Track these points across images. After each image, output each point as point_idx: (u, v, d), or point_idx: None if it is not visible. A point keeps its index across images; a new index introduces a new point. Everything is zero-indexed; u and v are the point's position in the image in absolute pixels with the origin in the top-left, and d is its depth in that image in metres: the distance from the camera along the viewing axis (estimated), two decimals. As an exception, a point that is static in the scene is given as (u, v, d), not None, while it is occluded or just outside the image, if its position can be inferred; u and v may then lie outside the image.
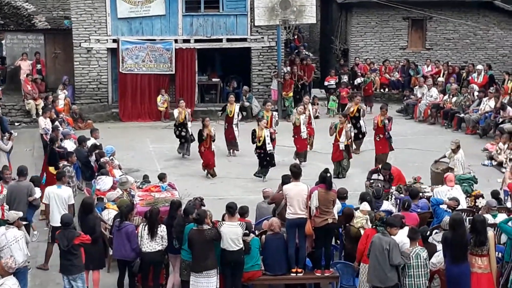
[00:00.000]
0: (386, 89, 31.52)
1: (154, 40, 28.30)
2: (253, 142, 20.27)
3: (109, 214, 14.79)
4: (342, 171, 20.36)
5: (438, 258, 12.62)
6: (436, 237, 13.49)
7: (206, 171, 20.74)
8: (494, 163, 21.63)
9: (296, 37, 33.88)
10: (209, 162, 20.58)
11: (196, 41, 28.55)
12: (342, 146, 20.39)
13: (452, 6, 32.17)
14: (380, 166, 17.63)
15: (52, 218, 14.50)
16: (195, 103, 28.54)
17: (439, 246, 12.77)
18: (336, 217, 13.33)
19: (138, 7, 28.00)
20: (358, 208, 14.07)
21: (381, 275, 11.99)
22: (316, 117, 25.52)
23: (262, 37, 28.77)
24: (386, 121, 20.69)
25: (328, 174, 13.29)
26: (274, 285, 13.56)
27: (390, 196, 16.07)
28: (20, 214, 13.32)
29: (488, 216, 13.69)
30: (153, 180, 17.22)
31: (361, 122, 22.66)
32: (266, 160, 20.13)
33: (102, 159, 17.52)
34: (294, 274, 13.15)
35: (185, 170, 21.34)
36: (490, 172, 20.66)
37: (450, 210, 14.35)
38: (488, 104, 25.44)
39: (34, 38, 30.08)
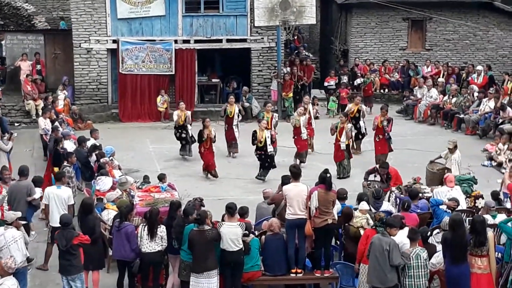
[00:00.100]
0: (386, 90, 31.52)
1: (154, 40, 28.30)
2: (253, 143, 20.23)
3: (109, 214, 14.79)
4: (343, 171, 20.34)
5: (438, 258, 12.63)
6: (435, 238, 13.49)
7: (206, 172, 20.67)
8: (494, 163, 21.64)
9: (296, 37, 33.87)
10: (209, 163, 20.55)
11: (196, 41, 28.56)
12: (343, 146, 20.40)
13: (452, 6, 32.19)
14: (377, 166, 17.63)
15: (51, 218, 14.50)
16: (195, 104, 28.54)
17: (439, 247, 12.78)
18: (336, 217, 13.33)
19: (138, 7, 28.00)
20: (357, 208, 14.07)
21: (381, 275, 11.99)
22: (316, 118, 25.53)
23: (262, 38, 28.77)
24: (386, 123, 20.66)
25: (328, 175, 13.29)
26: (273, 285, 13.55)
27: (390, 195, 16.09)
28: (19, 214, 13.32)
29: (487, 217, 13.70)
30: (152, 180, 17.22)
31: (361, 122, 22.68)
32: (267, 162, 20.11)
33: (102, 160, 17.52)
34: (294, 275, 13.15)
35: (185, 171, 21.34)
36: (490, 173, 20.66)
37: (449, 211, 14.36)
38: (488, 104, 25.45)
39: (34, 39, 30.09)
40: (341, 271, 13.25)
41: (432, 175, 18.00)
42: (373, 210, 14.17)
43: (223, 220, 13.11)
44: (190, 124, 22.38)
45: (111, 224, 13.97)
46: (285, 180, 14.14)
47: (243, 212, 13.73)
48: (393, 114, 24.88)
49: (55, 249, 13.49)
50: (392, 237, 12.22)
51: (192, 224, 12.79)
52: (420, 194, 15.69)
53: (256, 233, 13.63)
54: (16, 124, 26.62)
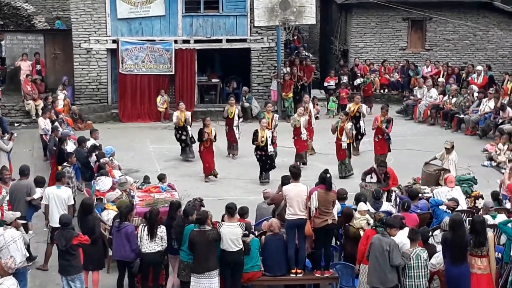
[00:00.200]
0: (386, 90, 31.53)
1: (154, 40, 28.30)
2: (254, 143, 20.17)
3: (109, 214, 14.79)
4: (345, 170, 20.32)
5: (438, 259, 12.63)
6: (435, 238, 13.49)
7: (208, 175, 20.56)
8: (494, 164, 21.64)
9: (295, 37, 33.86)
10: (207, 163, 20.47)
11: (196, 41, 28.56)
12: (344, 145, 20.41)
13: (452, 7, 32.20)
14: (374, 166, 17.63)
15: (51, 218, 14.49)
16: (194, 104, 28.54)
17: (439, 247, 12.78)
18: (336, 218, 13.34)
19: (137, 7, 28.00)
20: (356, 209, 14.07)
21: (381, 276, 11.99)
22: (316, 118, 25.50)
23: (262, 38, 28.78)
24: (386, 124, 20.63)
25: (328, 175, 13.28)
26: (273, 285, 13.55)
27: (391, 195, 16.12)
28: (18, 214, 13.32)
29: (487, 217, 13.70)
30: (152, 180, 17.22)
31: (361, 122, 22.67)
32: (267, 163, 20.08)
33: (101, 160, 17.52)
34: (294, 275, 13.15)
35: (185, 171, 21.34)
36: (490, 173, 20.66)
37: (449, 211, 14.36)
38: (488, 105, 25.45)
39: (34, 39, 30.08)
40: (341, 271, 13.25)
41: (429, 176, 18.00)
42: (373, 210, 14.17)
43: (223, 220, 13.11)
44: (190, 125, 22.35)
45: (111, 224, 13.97)
46: (285, 181, 14.14)
47: (243, 212, 13.74)
48: (393, 114, 24.88)
49: (55, 249, 13.49)
50: (392, 237, 12.22)
51: (192, 224, 12.78)
52: (420, 195, 15.70)
53: (256, 233, 13.64)
54: (16, 124, 26.62)
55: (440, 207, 14.56)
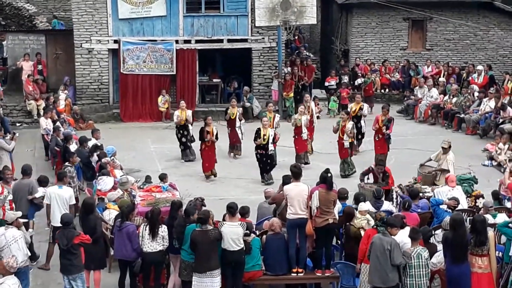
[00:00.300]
0: (387, 90, 31.56)
1: (155, 40, 28.33)
2: (255, 141, 20.18)
3: (110, 214, 14.82)
4: (348, 168, 20.33)
5: (439, 258, 12.64)
6: (436, 237, 13.52)
7: (208, 174, 20.57)
8: (494, 163, 21.64)
9: (296, 37, 33.93)
10: (207, 162, 20.48)
11: (197, 41, 28.59)
12: (346, 144, 20.44)
13: (452, 6, 32.22)
14: (372, 166, 17.66)
15: (53, 218, 14.53)
16: (196, 104, 28.57)
17: (440, 246, 12.80)
18: (337, 217, 13.36)
19: (139, 7, 28.04)
20: (356, 209, 14.10)
21: (383, 275, 12.00)
22: (317, 118, 25.50)
23: (263, 38, 28.81)
24: (387, 124, 20.67)
25: (329, 174, 13.30)
26: (274, 285, 13.57)
27: (391, 194, 16.16)
28: (19, 214, 13.36)
29: (488, 216, 13.73)
30: (154, 180, 17.25)
31: (362, 122, 22.69)
32: (267, 164, 20.08)
33: (103, 160, 17.55)
34: (295, 274, 13.16)
35: (186, 171, 21.36)
36: (491, 173, 20.67)
37: (450, 210, 14.39)
38: (488, 104, 25.47)
39: (35, 39, 30.10)
40: (342, 270, 13.27)
41: (425, 177, 18.02)
42: (374, 210, 14.20)
43: (224, 220, 13.14)
44: (191, 124, 22.38)
45: (112, 224, 14.00)
46: (286, 180, 14.16)
47: (244, 212, 13.78)
48: (393, 114, 24.84)
49: (56, 249, 13.52)
50: (393, 236, 12.24)
51: (193, 224, 12.81)
52: (421, 194, 15.73)
53: (257, 232, 13.65)
54: (17, 124, 26.65)
55: (441, 206, 14.59)
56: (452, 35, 32.65)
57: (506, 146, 21.77)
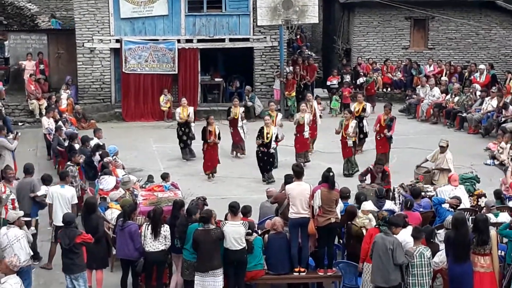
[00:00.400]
0: (389, 89, 31.55)
1: (157, 40, 28.35)
2: (258, 138, 20.16)
3: (112, 213, 14.82)
4: (351, 167, 20.30)
5: (441, 257, 12.62)
6: (438, 236, 13.51)
7: (209, 173, 20.54)
8: (497, 162, 21.59)
9: (298, 37, 33.95)
10: (209, 161, 20.46)
11: (199, 41, 28.60)
12: (350, 143, 20.43)
13: (454, 5, 32.22)
14: (370, 166, 17.65)
15: (55, 217, 14.52)
16: (197, 103, 28.56)
17: (442, 246, 12.79)
18: (339, 216, 13.36)
19: (141, 7, 28.06)
20: (359, 208, 14.10)
21: (385, 275, 11.98)
22: (319, 116, 25.49)
23: (265, 37, 28.81)
24: (389, 123, 20.66)
25: (331, 174, 13.28)
26: (276, 284, 13.57)
27: (394, 193, 16.16)
28: (21, 213, 13.36)
29: (490, 215, 13.71)
30: (156, 179, 17.25)
31: (364, 122, 22.64)
32: (268, 163, 20.06)
33: (105, 159, 17.55)
34: (297, 274, 13.14)
35: (188, 170, 21.36)
36: (493, 172, 20.63)
37: (452, 209, 14.38)
38: (491, 103, 25.44)
39: (37, 38, 30.15)
40: (344, 270, 13.26)
41: (424, 177, 18.04)
42: (376, 209, 14.19)
43: (226, 219, 13.14)
44: (193, 122, 22.35)
45: (114, 223, 14.00)
46: (288, 179, 14.16)
47: (246, 211, 13.76)
48: (395, 113, 24.86)
49: (58, 248, 13.53)
50: (395, 235, 12.23)
51: (195, 223, 12.81)
52: (423, 193, 15.71)
53: (259, 232, 13.65)
54: (19, 124, 26.66)
55: (443, 205, 14.58)
56: (454, 34, 32.64)
57: (508, 145, 21.71)
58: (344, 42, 34.21)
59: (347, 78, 30.13)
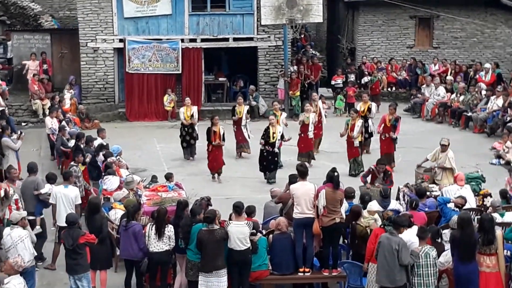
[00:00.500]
0: (393, 88, 31.47)
1: (161, 39, 28.31)
2: (263, 137, 20.06)
3: (116, 214, 14.79)
4: (358, 167, 20.22)
5: (446, 257, 12.57)
6: (444, 236, 13.44)
7: (213, 174, 20.46)
8: (502, 161, 21.55)
9: (302, 36, 33.86)
10: (215, 162, 20.36)
11: (203, 40, 28.56)
12: (356, 143, 20.35)
13: (459, 4, 32.11)
14: (372, 166, 17.57)
15: (58, 218, 14.50)
16: (201, 103, 28.51)
17: (447, 246, 12.72)
18: (344, 216, 13.30)
19: (144, 6, 28.02)
20: (365, 208, 14.03)
21: (390, 275, 11.93)
22: (324, 116, 25.41)
23: (269, 36, 28.75)
24: (394, 123, 20.59)
25: (336, 173, 13.23)
26: (281, 284, 13.52)
27: (399, 193, 16.11)
28: (24, 214, 13.34)
29: (496, 215, 13.64)
30: (160, 179, 17.20)
31: (370, 121, 22.52)
32: (272, 162, 19.99)
33: (109, 159, 17.51)
34: (302, 274, 13.10)
35: (192, 170, 21.31)
36: (498, 171, 20.56)
37: (457, 209, 14.31)
38: (496, 102, 25.35)
39: (41, 38, 30.10)
40: (349, 270, 13.21)
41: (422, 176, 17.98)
42: (381, 209, 14.13)
43: (230, 219, 13.09)
44: (197, 122, 22.24)
45: (118, 224, 13.96)
46: (292, 179, 14.12)
47: (251, 211, 13.73)
48: (400, 113, 24.76)
49: (62, 249, 13.49)
50: (399, 235, 12.16)
51: (199, 223, 12.76)
52: (428, 193, 15.64)
53: (264, 232, 13.61)
54: (23, 124, 26.66)
55: (448, 205, 14.51)
56: (459, 33, 32.54)
57: (514, 144, 21.69)
58: (348, 41, 34.15)
59: (352, 77, 30.08)
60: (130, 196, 15.51)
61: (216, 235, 12.48)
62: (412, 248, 12.08)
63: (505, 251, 12.73)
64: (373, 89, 29.52)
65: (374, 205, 13.97)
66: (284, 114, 22.05)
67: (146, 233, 13.03)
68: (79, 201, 14.89)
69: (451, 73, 30.02)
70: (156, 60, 28.28)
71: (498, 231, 12.52)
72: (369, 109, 22.45)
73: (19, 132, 20.22)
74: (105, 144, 19.06)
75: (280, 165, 20.55)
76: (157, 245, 12.92)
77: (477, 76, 28.75)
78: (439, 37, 32.64)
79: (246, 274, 12.79)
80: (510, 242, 13.12)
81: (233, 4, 28.48)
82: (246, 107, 23.06)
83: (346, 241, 14.20)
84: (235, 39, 28.67)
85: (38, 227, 14.95)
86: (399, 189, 16.53)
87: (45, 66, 29.16)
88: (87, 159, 17.87)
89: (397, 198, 16.10)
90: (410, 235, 12.31)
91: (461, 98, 26.90)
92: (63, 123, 21.75)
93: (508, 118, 24.13)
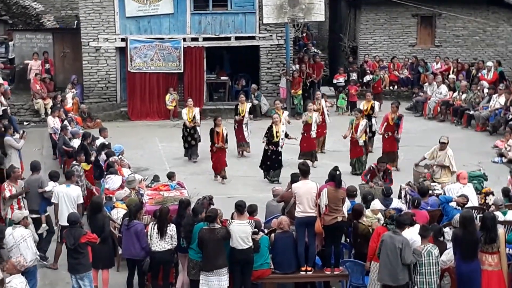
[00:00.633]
0: (395, 87, 31.43)
1: (163, 38, 28.29)
2: (266, 136, 20.04)
3: (118, 213, 14.80)
4: (361, 167, 20.19)
5: (448, 255, 12.56)
6: (446, 235, 13.43)
7: (216, 174, 20.44)
8: (504, 160, 21.53)
9: (304, 34, 33.87)
10: (218, 162, 20.33)
11: (205, 39, 28.55)
12: (361, 142, 20.32)
13: (462, 2, 32.06)
14: (373, 165, 17.55)
15: (61, 217, 14.51)
16: (203, 102, 28.50)
17: (449, 244, 12.71)
18: (346, 215, 13.29)
19: (146, 5, 28.02)
20: (368, 207, 14.02)
21: (393, 274, 11.94)
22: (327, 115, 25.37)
23: (271, 35, 28.74)
24: (397, 121, 20.57)
25: (338, 172, 13.23)
26: (283, 283, 13.53)
27: (401, 192, 16.10)
28: (26, 213, 13.35)
29: (498, 214, 13.63)
30: (162, 179, 17.20)
31: (373, 120, 22.49)
32: (275, 161, 19.96)
33: (111, 158, 17.52)
34: (304, 273, 13.12)
35: (194, 169, 21.31)
36: (500, 169, 20.53)
37: (459, 208, 14.30)
38: (498, 101, 25.31)
39: (43, 38, 30.09)
40: (351, 269, 13.20)
41: (420, 176, 17.96)
42: (383, 208, 14.12)
43: (232, 218, 13.09)
44: (199, 125, 22.16)
45: (120, 223, 13.97)
46: (294, 178, 14.12)
47: (252, 210, 13.72)
48: (402, 111, 24.73)
49: (64, 248, 13.49)
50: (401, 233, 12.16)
51: (201, 222, 12.76)
52: (430, 191, 15.63)
53: (266, 231, 13.61)
54: (25, 123, 26.62)
55: (450, 203, 14.50)
56: (461, 31, 32.49)
57: (516, 142, 21.66)
58: (350, 40, 34.12)
59: (354, 76, 30.05)
60: (132, 195, 15.52)
61: (217, 234, 12.49)
62: (414, 246, 12.08)
63: (507, 249, 12.73)
64: (375, 87, 29.45)
65: (377, 204, 13.95)
66: (286, 113, 22.05)
67: (148, 232, 13.04)
68: (81, 201, 14.91)
69: (453, 71, 29.96)
70: (158, 59, 28.27)
71: (500, 230, 12.50)
72: (372, 108, 22.42)
73: (21, 132, 20.23)
74: (107, 143, 19.09)
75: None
76: (159, 244, 12.93)
77: (479, 74, 28.71)
78: (441, 36, 32.60)
79: (248, 273, 12.80)
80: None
81: (235, 3, 28.46)
82: (249, 105, 23.06)
83: (348, 239, 14.20)
84: (237, 38, 28.65)
85: (44, 225, 14.99)
86: (401, 188, 16.52)
87: (47, 66, 29.15)
88: (92, 158, 17.88)
89: (399, 197, 16.08)
90: (412, 234, 12.32)
91: (463, 96, 26.88)
92: (65, 122, 21.77)
93: (510, 116, 24.10)
